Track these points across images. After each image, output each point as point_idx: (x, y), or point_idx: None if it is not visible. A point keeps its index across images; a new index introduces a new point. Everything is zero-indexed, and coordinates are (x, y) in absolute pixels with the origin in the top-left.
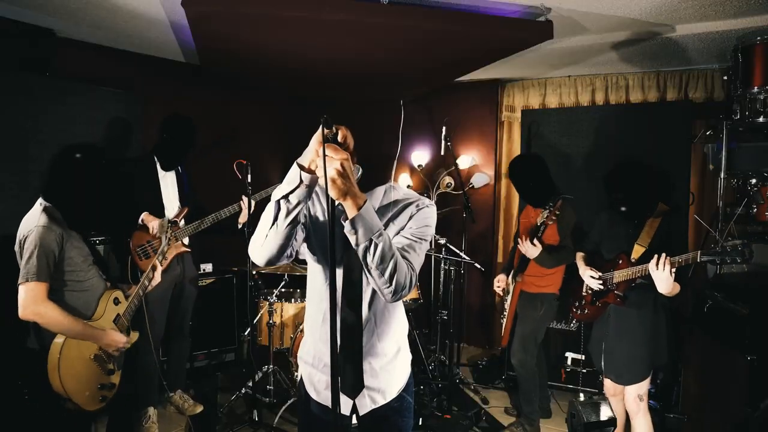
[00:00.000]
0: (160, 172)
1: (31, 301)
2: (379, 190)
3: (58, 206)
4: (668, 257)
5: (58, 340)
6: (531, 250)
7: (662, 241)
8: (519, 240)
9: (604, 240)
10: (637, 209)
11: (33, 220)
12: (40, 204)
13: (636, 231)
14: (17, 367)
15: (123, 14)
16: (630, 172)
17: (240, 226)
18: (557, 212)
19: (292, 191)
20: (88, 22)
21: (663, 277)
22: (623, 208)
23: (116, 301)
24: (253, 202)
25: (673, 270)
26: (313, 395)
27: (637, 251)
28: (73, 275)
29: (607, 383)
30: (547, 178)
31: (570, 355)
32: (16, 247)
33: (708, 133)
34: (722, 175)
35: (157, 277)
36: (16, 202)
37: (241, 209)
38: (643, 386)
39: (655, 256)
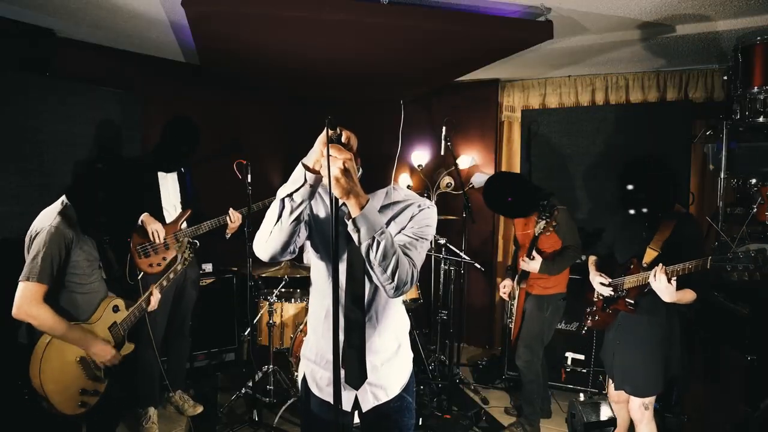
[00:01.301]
0: (161, 174)
1: (26, 301)
2: (381, 192)
3: (77, 208)
4: (664, 267)
5: (45, 338)
6: (532, 264)
7: (675, 245)
8: (519, 255)
9: (617, 242)
10: (652, 211)
11: (48, 219)
12: (61, 203)
13: (650, 234)
14: (16, 366)
15: (123, 14)
16: (645, 170)
17: (228, 237)
18: (554, 223)
19: (296, 190)
20: (88, 22)
21: (662, 288)
22: (637, 210)
23: (115, 309)
24: (240, 216)
25: (673, 279)
26: (315, 391)
27: (650, 255)
28: (75, 277)
29: (612, 391)
30: (527, 190)
31: (570, 355)
32: (27, 239)
33: (708, 133)
34: (722, 175)
35: (155, 303)
36: (16, 201)
37: (226, 222)
38: (650, 396)
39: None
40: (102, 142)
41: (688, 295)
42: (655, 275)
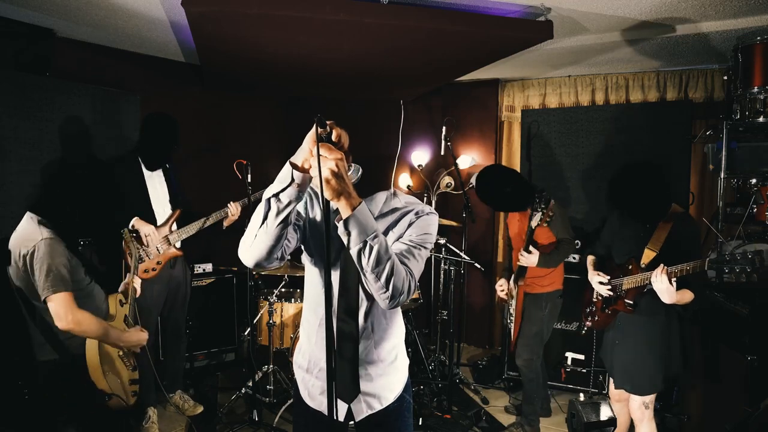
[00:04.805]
0: (146, 172)
1: (65, 310)
2: (381, 196)
3: (49, 219)
4: (666, 268)
5: (92, 347)
6: (529, 259)
7: (674, 245)
8: (513, 254)
9: (615, 242)
10: (649, 211)
11: (35, 234)
12: (31, 218)
13: (647, 234)
14: (18, 372)
15: (123, 14)
16: (641, 172)
17: (224, 228)
18: (551, 213)
19: (282, 190)
20: (87, 22)
21: (663, 289)
22: (635, 210)
23: (121, 303)
24: (240, 207)
25: (674, 280)
26: (307, 401)
27: (648, 256)
28: (78, 284)
29: (613, 390)
30: (522, 183)
31: (570, 355)
32: (20, 263)
33: (708, 133)
34: (722, 175)
35: (138, 289)
36: (17, 202)
37: (227, 215)
38: (650, 395)
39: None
40: (101, 143)
41: (686, 296)
42: (656, 276)
